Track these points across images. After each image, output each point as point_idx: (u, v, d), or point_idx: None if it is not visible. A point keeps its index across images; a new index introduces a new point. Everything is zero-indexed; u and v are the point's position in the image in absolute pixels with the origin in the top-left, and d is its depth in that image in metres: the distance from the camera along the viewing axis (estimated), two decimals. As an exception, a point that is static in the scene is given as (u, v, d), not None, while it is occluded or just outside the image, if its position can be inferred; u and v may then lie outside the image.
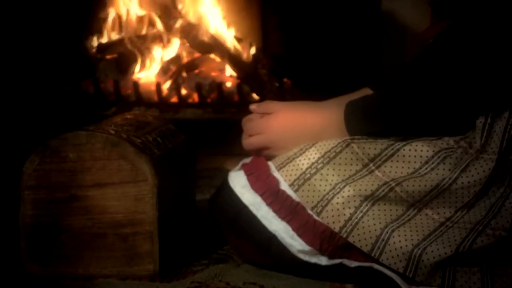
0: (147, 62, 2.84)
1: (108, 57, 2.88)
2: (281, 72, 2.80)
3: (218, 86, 2.72)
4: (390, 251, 1.24)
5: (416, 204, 1.26)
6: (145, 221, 1.31)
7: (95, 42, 2.88)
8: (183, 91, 2.75)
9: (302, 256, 1.30)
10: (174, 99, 2.75)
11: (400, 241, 1.23)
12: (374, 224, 1.26)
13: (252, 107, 1.40)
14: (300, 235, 1.29)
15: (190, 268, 1.38)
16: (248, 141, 1.38)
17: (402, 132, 1.30)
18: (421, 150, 1.27)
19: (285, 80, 2.80)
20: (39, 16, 2.79)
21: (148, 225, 1.31)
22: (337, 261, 1.29)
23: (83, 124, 1.41)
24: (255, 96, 2.74)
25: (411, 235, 1.24)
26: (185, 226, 1.49)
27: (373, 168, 1.29)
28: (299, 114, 1.36)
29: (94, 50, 2.88)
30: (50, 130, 2.42)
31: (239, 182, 1.34)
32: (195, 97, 2.74)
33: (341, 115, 1.32)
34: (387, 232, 1.24)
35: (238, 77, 2.78)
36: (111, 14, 2.87)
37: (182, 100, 2.74)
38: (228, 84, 2.78)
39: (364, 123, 1.31)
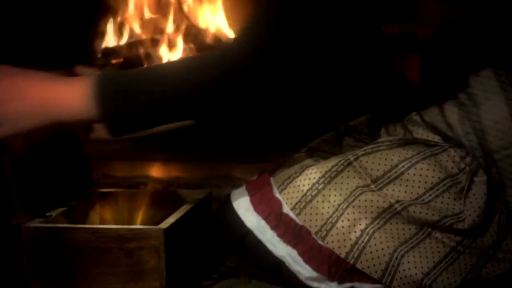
0: None
1: (113, 61, 2.87)
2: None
3: None
4: (401, 278, 1.19)
5: (425, 227, 1.21)
6: (151, 235, 1.27)
7: (99, 46, 2.87)
8: None
9: (311, 283, 1.26)
10: None
11: (409, 269, 1.19)
12: (382, 249, 1.21)
13: None
14: (306, 261, 1.25)
15: (199, 283, 1.35)
16: None
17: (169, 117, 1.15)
18: (426, 176, 1.23)
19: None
20: (42, 20, 2.78)
21: (154, 239, 1.27)
22: (348, 285, 1.25)
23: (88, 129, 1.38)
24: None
25: (421, 262, 1.19)
26: (190, 238, 1.45)
27: (375, 189, 1.24)
28: (29, 84, 1.17)
29: (99, 54, 2.87)
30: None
31: (242, 204, 1.30)
32: None
33: (89, 89, 1.14)
34: (396, 258, 1.20)
35: None
36: (116, 18, 2.86)
37: None
38: None
39: (121, 99, 1.13)
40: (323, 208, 1.25)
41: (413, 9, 1.19)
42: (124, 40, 2.86)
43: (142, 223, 1.44)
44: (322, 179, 1.25)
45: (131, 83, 1.15)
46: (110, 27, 2.86)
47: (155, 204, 1.47)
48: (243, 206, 1.30)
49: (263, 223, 1.28)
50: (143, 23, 2.87)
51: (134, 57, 2.82)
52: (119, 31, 2.87)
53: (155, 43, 2.84)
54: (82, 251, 1.28)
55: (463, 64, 1.22)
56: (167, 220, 1.31)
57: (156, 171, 2.23)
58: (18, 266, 1.30)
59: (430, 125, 1.26)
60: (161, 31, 2.85)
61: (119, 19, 2.86)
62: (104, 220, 1.47)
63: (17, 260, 1.31)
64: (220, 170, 2.21)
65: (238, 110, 1.17)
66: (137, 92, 1.14)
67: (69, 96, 1.15)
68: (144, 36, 2.85)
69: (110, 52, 2.84)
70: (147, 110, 1.14)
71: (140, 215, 1.46)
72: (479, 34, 1.21)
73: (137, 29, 2.86)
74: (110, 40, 2.87)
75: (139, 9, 2.86)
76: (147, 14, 2.87)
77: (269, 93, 1.16)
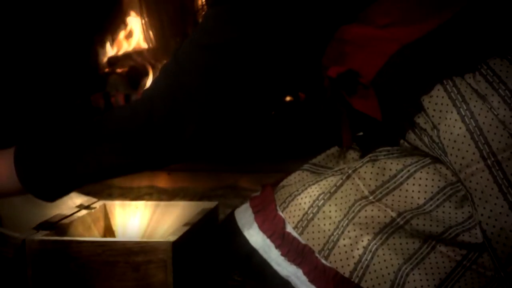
0: None
1: (118, 70, 2.86)
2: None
3: None
4: None
5: (429, 240, 1.19)
6: (158, 248, 1.25)
7: (105, 55, 2.87)
8: None
9: None
10: None
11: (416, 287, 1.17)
12: (387, 267, 1.18)
13: None
14: (311, 281, 1.22)
15: (206, 297, 1.33)
16: None
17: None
18: (426, 185, 1.19)
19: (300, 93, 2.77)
20: (48, 29, 2.78)
21: (161, 253, 1.25)
22: None
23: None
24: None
25: (427, 279, 1.16)
26: (198, 251, 1.44)
27: (373, 200, 1.21)
28: None
29: (104, 63, 2.87)
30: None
31: (246, 222, 1.28)
32: None
33: (9, 162, 1.19)
34: (401, 276, 1.17)
35: None
36: (122, 27, 2.86)
37: None
38: None
39: (42, 173, 1.19)
40: (324, 225, 1.23)
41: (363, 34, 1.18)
42: (129, 49, 2.85)
43: (149, 236, 1.42)
44: (322, 195, 1.23)
45: (47, 151, 1.19)
46: (115, 36, 2.85)
47: (162, 216, 1.45)
48: (248, 225, 1.28)
49: (268, 242, 1.26)
50: (149, 31, 2.86)
51: (139, 66, 2.82)
52: (125, 39, 2.86)
53: (160, 51, 2.83)
54: (87, 264, 1.26)
55: (414, 88, 1.18)
56: (174, 233, 1.29)
57: (161, 182, 2.21)
58: (22, 279, 1.29)
59: (415, 148, 1.23)
60: (167, 40, 2.84)
61: (124, 27, 2.86)
62: (109, 233, 1.45)
63: (21, 274, 1.29)
64: (226, 180, 2.20)
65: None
66: (55, 158, 1.18)
67: None
68: (149, 45, 2.85)
69: (116, 61, 2.84)
70: (67, 173, 1.19)
71: (146, 228, 1.44)
72: (430, 50, 1.18)
73: (143, 38, 2.85)
74: (115, 49, 2.86)
75: (145, 17, 2.85)
76: (153, 22, 2.86)
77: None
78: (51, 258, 1.27)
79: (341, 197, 1.22)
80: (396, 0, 1.18)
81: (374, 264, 1.18)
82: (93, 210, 1.44)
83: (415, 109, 1.19)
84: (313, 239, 1.22)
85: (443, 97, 1.17)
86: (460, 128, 1.15)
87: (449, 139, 1.16)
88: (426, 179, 1.19)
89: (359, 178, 1.22)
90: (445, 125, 1.16)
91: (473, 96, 1.16)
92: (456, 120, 1.16)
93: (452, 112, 1.16)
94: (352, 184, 1.22)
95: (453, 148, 1.16)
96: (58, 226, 1.34)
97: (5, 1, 2.70)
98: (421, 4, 1.18)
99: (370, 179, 1.22)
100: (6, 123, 2.67)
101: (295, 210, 1.25)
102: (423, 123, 1.19)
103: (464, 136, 1.15)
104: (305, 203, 1.24)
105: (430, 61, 1.17)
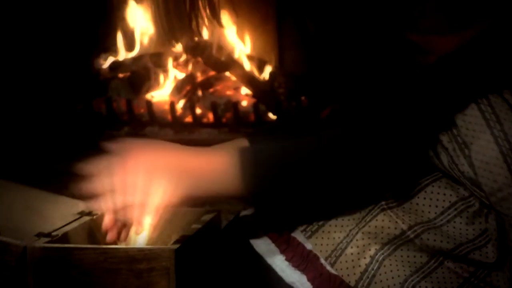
0: (161, 80, 2.82)
1: (120, 75, 2.86)
2: (298, 90, 2.76)
3: (234, 105, 2.70)
4: None
5: (437, 255, 1.17)
6: (161, 256, 1.24)
7: (107, 60, 2.87)
8: (198, 111, 2.74)
9: None
10: (189, 119, 2.73)
11: None
12: (393, 278, 1.17)
13: (106, 144, 1.17)
14: None
15: (210, 306, 1.32)
16: (93, 185, 1.15)
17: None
18: (437, 199, 1.18)
19: (303, 98, 2.76)
20: (50, 34, 2.78)
21: (164, 260, 1.24)
22: None
23: (95, 143, 1.36)
24: (271, 115, 2.71)
25: None
26: (201, 258, 1.42)
27: (385, 207, 1.20)
28: (170, 154, 1.15)
29: (106, 68, 2.86)
30: (60, 151, 2.38)
31: (251, 227, 1.28)
32: (210, 116, 2.72)
33: (236, 162, 1.14)
34: None
35: (254, 96, 2.77)
36: (124, 31, 2.86)
37: (197, 119, 2.72)
38: (244, 103, 2.76)
39: (262, 174, 1.14)
40: (335, 232, 1.22)
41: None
42: (131, 54, 2.85)
43: (151, 243, 1.40)
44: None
45: (268, 158, 1.14)
46: (117, 41, 2.85)
47: (164, 223, 1.44)
48: (252, 229, 1.28)
49: (272, 247, 1.25)
50: (151, 36, 2.87)
51: (141, 71, 2.82)
52: (127, 44, 2.86)
53: (162, 57, 2.83)
54: (90, 272, 1.25)
55: (449, 103, 1.16)
56: (177, 240, 1.27)
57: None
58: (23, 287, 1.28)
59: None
60: (168, 45, 2.84)
61: (127, 32, 2.86)
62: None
63: (23, 282, 1.28)
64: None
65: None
66: (275, 168, 1.13)
67: (211, 167, 1.14)
68: (151, 50, 2.85)
69: (118, 66, 2.84)
70: (285, 186, 1.14)
71: (149, 235, 1.43)
72: (469, 65, 1.15)
73: (145, 43, 2.85)
74: (117, 53, 2.86)
75: (147, 22, 2.86)
76: (155, 27, 2.87)
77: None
78: (53, 266, 1.26)
79: (355, 206, 1.21)
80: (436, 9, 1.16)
81: (380, 274, 1.17)
82: (95, 217, 1.43)
83: (445, 125, 1.16)
84: (321, 244, 1.21)
85: (477, 117, 1.14)
86: (493, 149, 1.12)
87: (481, 161, 1.13)
88: (438, 193, 1.18)
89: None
90: (479, 146, 1.13)
91: (508, 116, 1.12)
92: (489, 141, 1.12)
93: (485, 133, 1.13)
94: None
95: (484, 170, 1.13)
96: (60, 233, 1.33)
97: (8, 6, 2.70)
98: (452, 16, 1.16)
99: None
100: (7, 128, 2.66)
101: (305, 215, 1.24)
102: (447, 142, 1.16)
103: (497, 159, 1.12)
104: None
105: (466, 75, 1.15)
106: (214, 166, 1.14)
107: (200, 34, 2.81)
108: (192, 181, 1.14)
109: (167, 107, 2.73)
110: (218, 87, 2.82)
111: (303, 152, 1.14)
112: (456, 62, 1.14)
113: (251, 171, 1.13)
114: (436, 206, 1.18)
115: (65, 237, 1.33)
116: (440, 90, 1.14)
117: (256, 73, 2.79)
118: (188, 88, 2.78)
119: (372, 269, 1.18)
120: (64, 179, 1.43)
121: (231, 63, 2.78)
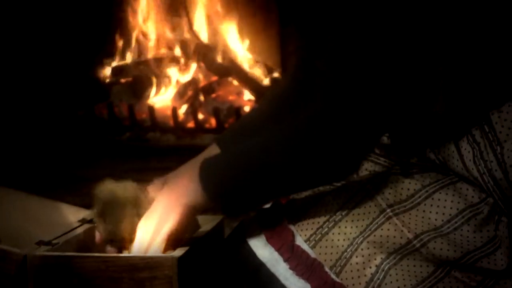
0: (163, 85, 2.83)
1: (122, 80, 2.86)
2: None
3: (236, 110, 2.71)
4: None
5: (444, 265, 1.16)
6: (164, 264, 1.23)
7: (109, 65, 2.87)
8: (200, 116, 2.75)
9: None
10: (191, 124, 2.74)
11: None
12: (399, 287, 1.16)
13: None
14: None
15: (213, 314, 1.31)
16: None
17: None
18: (444, 207, 1.17)
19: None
20: (52, 39, 2.78)
21: (166, 268, 1.23)
22: None
23: (96, 149, 1.35)
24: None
25: None
26: (203, 267, 1.41)
27: (390, 214, 1.19)
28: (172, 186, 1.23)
29: (108, 73, 2.87)
30: (62, 156, 2.38)
31: (254, 235, 1.26)
32: (213, 122, 2.73)
33: (196, 175, 1.20)
34: None
35: (256, 101, 2.77)
36: (126, 36, 2.86)
37: (199, 125, 2.72)
38: (246, 108, 2.76)
39: (225, 181, 1.19)
40: (338, 240, 1.21)
41: None
42: (134, 59, 2.86)
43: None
44: (340, 211, 1.21)
45: (230, 163, 1.19)
46: (119, 46, 2.86)
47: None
48: (255, 237, 1.26)
49: (275, 255, 1.24)
50: (153, 41, 2.87)
51: (143, 75, 2.82)
52: (129, 49, 2.86)
53: (165, 61, 2.83)
54: (91, 280, 1.24)
55: (485, 97, 1.16)
56: (179, 248, 1.26)
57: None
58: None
59: (443, 164, 1.20)
60: (171, 50, 2.85)
61: (128, 37, 2.87)
62: (113, 247, 1.43)
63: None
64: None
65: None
66: (238, 172, 1.18)
67: (182, 183, 1.22)
68: (153, 55, 2.85)
69: (120, 71, 2.84)
70: (250, 188, 1.18)
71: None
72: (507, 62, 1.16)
73: (147, 48, 2.85)
74: (119, 59, 2.87)
75: (149, 27, 2.86)
76: (157, 32, 2.88)
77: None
78: (53, 274, 1.25)
79: (358, 214, 1.20)
80: None
81: (386, 284, 1.16)
82: (95, 224, 1.42)
83: (478, 119, 1.16)
84: (326, 254, 1.20)
85: None
86: None
87: None
88: (445, 200, 1.17)
89: (378, 194, 1.20)
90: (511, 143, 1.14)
91: None
92: None
93: None
94: (371, 201, 1.20)
95: None
96: (61, 241, 1.32)
97: (10, 12, 2.70)
98: None
99: (389, 193, 1.20)
100: (9, 133, 2.66)
101: (308, 224, 1.22)
102: (479, 137, 1.16)
103: None
104: (319, 216, 1.21)
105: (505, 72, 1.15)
106: (184, 182, 1.21)
107: (202, 39, 2.82)
108: (179, 201, 1.21)
109: (169, 112, 2.73)
110: (221, 92, 2.83)
111: (269, 148, 1.17)
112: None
113: (212, 180, 1.18)
114: (443, 214, 1.17)
115: (65, 245, 1.32)
116: (481, 83, 1.15)
117: (258, 78, 2.79)
118: (190, 93, 2.79)
119: (378, 278, 1.17)
120: (67, 184, 1.42)
121: (233, 68, 2.79)
